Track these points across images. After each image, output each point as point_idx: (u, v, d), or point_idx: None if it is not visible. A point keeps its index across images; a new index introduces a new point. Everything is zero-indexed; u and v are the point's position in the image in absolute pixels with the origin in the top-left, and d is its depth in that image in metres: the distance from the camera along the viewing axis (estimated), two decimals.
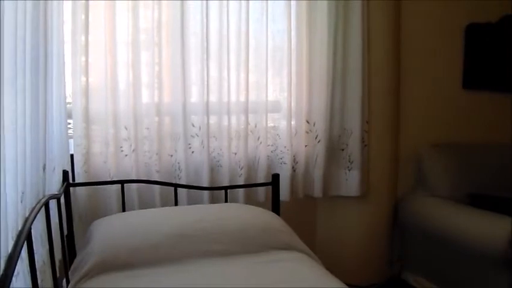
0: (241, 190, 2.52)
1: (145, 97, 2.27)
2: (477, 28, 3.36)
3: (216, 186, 2.46)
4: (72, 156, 2.17)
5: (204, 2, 2.32)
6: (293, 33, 2.59)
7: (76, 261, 1.85)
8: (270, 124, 2.61)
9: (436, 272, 2.92)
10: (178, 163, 2.36)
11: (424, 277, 3.01)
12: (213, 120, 2.44)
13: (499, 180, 3.22)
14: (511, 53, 3.54)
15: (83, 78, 2.12)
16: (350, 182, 2.81)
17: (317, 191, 2.73)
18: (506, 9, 3.45)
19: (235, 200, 2.49)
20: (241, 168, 2.52)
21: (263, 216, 2.14)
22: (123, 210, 2.21)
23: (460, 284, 2.74)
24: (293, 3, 2.58)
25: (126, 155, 2.24)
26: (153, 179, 2.30)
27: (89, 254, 1.76)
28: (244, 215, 2.11)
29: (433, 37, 3.20)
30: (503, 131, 3.54)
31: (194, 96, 2.38)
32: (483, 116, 3.47)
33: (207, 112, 2.39)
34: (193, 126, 2.38)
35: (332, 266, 2.68)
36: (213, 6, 2.36)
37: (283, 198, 2.58)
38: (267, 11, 2.50)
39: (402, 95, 3.04)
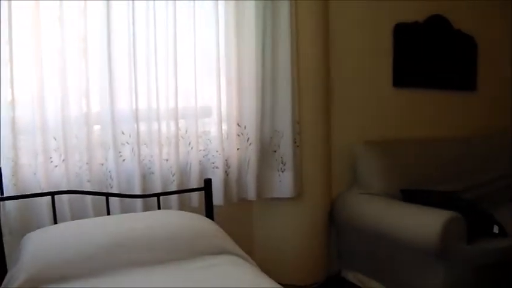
0: (174, 196, 2.69)
1: (73, 106, 2.41)
2: (405, 27, 3.74)
3: (149, 193, 2.59)
4: (0, 169, 2.27)
5: (130, 8, 2.49)
6: (221, 36, 2.81)
7: (6, 278, 1.90)
8: (201, 129, 2.80)
9: (374, 268, 3.25)
10: (110, 172, 2.51)
11: (363, 273, 3.34)
12: (143, 127, 2.60)
13: (430, 174, 3.59)
14: (437, 50, 3.87)
15: (9, 90, 2.25)
16: (284, 183, 3.08)
17: (251, 194, 2.97)
18: (433, 8, 3.89)
19: (169, 207, 2.66)
20: (174, 175, 2.69)
21: (196, 222, 2.28)
22: (55, 222, 2.32)
23: (397, 277, 3.06)
24: (221, 7, 2.79)
25: (56, 166, 2.38)
26: (84, 189, 2.43)
27: (20, 270, 1.81)
28: (176, 222, 2.23)
29: (362, 37, 3.56)
30: (432, 126, 3.88)
31: (123, 104, 2.52)
32: (413, 112, 3.88)
33: (137, 119, 2.55)
34: (123, 134, 2.54)
35: (271, 268, 2.96)
36: (140, 11, 2.53)
37: (217, 203, 2.80)
38: (194, 16, 2.70)
39: (333, 95, 3.35)
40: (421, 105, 3.95)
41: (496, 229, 3.05)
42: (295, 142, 3.05)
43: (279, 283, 1.92)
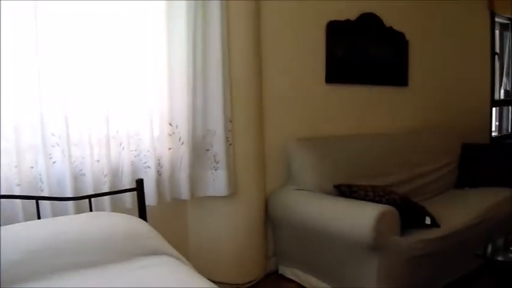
0: (106, 198, 2.72)
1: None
2: (337, 25, 3.96)
3: (80, 195, 2.61)
4: None
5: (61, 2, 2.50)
6: (152, 36, 2.87)
7: None
8: (132, 129, 2.85)
9: (310, 263, 3.41)
10: (40, 175, 2.53)
11: (300, 269, 3.50)
12: (73, 128, 2.62)
13: (364, 169, 3.80)
14: (369, 47, 4.07)
15: None
16: (217, 182, 3.19)
17: (184, 194, 3.06)
18: (365, 7, 4.15)
19: (102, 209, 2.70)
20: (105, 176, 2.73)
21: (128, 223, 2.31)
22: None
23: (333, 271, 3.24)
24: (151, 6, 2.85)
25: None
26: (14, 193, 2.43)
27: None
28: (108, 223, 2.25)
29: (295, 35, 3.73)
30: (365, 121, 4.09)
31: (52, 105, 2.54)
32: (346, 108, 4.11)
33: (66, 120, 2.57)
34: (53, 135, 2.56)
35: (207, 267, 3.10)
36: (69, 8, 2.53)
37: (150, 203, 2.86)
38: (124, 15, 2.74)
39: (266, 93, 3.51)
40: (354, 101, 4.18)
41: (428, 220, 3.28)
42: (227, 140, 3.16)
43: (215, 282, 2.01)
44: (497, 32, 6.76)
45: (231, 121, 3.20)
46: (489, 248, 2.84)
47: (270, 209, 3.54)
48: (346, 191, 3.30)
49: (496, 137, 6.75)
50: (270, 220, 3.59)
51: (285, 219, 3.47)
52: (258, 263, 3.52)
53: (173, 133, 2.98)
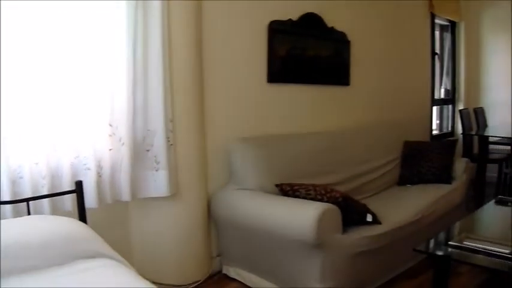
0: (46, 201, 2.67)
1: None
2: (279, 25, 4.05)
3: (18, 199, 2.59)
4: None
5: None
6: (91, 35, 2.86)
7: None
8: (72, 130, 2.82)
9: (254, 262, 3.47)
10: None
11: (244, 268, 3.56)
12: (10, 129, 2.57)
13: (306, 168, 3.90)
14: (311, 47, 4.17)
15: None
16: (158, 182, 3.21)
17: (125, 195, 3.06)
18: (307, 7, 4.28)
19: (41, 212, 2.65)
20: (44, 178, 2.70)
21: (67, 226, 2.28)
22: None
23: (277, 270, 3.30)
24: (91, 6, 2.83)
25: None
26: None
27: None
28: (47, 226, 2.22)
29: (236, 35, 3.80)
30: (307, 121, 4.18)
31: None
32: (288, 108, 4.21)
33: (1, 122, 2.52)
34: None
35: (151, 269, 3.12)
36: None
37: (91, 205, 2.85)
38: (63, 13, 2.71)
39: (208, 93, 3.56)
40: (296, 100, 4.28)
41: (369, 218, 3.40)
42: (168, 140, 3.19)
43: (159, 284, 2.03)
44: (437, 33, 7.03)
45: (171, 121, 3.22)
46: (431, 243, 2.95)
47: (213, 209, 3.59)
48: (287, 190, 3.36)
49: (436, 135, 7.00)
50: (213, 220, 3.64)
51: (228, 219, 3.52)
52: (202, 264, 3.56)
53: (113, 134, 2.98)
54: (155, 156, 3.17)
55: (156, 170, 3.18)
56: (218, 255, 3.74)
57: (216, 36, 3.61)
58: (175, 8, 3.21)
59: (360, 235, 3.25)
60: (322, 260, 3.02)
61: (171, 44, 3.21)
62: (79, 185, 2.72)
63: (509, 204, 3.89)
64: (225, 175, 3.71)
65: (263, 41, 3.97)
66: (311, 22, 4.35)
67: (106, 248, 2.26)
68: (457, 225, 3.30)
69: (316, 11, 4.39)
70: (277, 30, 4.03)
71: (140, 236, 3.40)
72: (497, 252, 2.56)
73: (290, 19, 4.14)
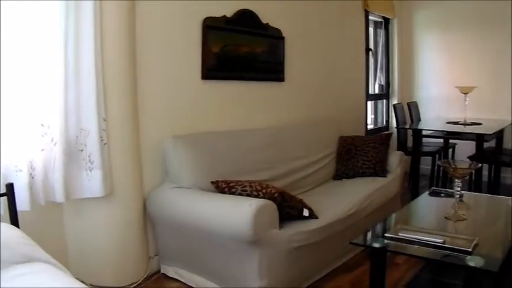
0: None
1: None
2: (214, 22, 4.10)
3: None
4: None
5: None
6: (23, 34, 2.82)
7: None
8: (1, 131, 2.76)
9: (192, 261, 3.50)
10: None
11: (183, 267, 3.58)
12: None
13: (242, 164, 3.96)
14: (246, 44, 4.22)
15: None
16: (93, 183, 3.20)
17: (59, 196, 3.03)
18: (241, 3, 4.34)
19: None
20: None
21: None
22: None
23: (215, 267, 3.34)
24: (24, 5, 2.80)
25: None
26: None
27: None
28: None
29: (170, 31, 3.81)
30: (243, 117, 4.24)
31: None
32: (223, 104, 4.27)
33: None
34: None
35: (88, 272, 3.10)
36: None
37: (23, 208, 2.80)
38: None
39: (142, 91, 3.57)
40: (231, 97, 4.34)
41: (306, 212, 3.49)
42: (102, 140, 3.19)
43: (96, 286, 2.00)
44: (371, 30, 7.22)
45: (105, 120, 3.22)
46: (367, 236, 3.06)
47: (149, 208, 3.59)
48: (223, 187, 3.40)
49: (371, 129, 7.20)
50: (149, 219, 3.65)
51: (164, 218, 3.53)
52: (140, 264, 3.57)
53: (45, 134, 2.95)
54: (89, 156, 3.15)
55: (90, 170, 3.16)
56: (156, 255, 3.75)
57: (150, 34, 3.62)
58: (107, 7, 3.21)
59: (297, 230, 3.33)
60: (259, 256, 3.07)
61: (104, 43, 3.21)
62: (10, 187, 2.67)
63: (442, 195, 4.07)
64: (160, 174, 3.72)
65: (197, 37, 4.00)
66: (246, 19, 4.42)
67: (40, 252, 2.23)
68: (392, 217, 3.43)
69: (251, 8, 4.47)
70: (212, 27, 4.07)
71: (76, 238, 3.37)
72: (431, 241, 2.67)
73: (225, 16, 4.19)
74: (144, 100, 3.58)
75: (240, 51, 4.37)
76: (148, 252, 3.68)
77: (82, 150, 3.15)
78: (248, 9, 4.43)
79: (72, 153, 3.12)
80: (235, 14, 4.30)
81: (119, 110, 3.33)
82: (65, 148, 3.03)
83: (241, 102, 4.46)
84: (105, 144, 3.23)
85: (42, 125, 2.94)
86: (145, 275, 3.61)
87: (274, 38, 4.79)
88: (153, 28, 3.65)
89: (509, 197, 3.76)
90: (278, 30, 4.82)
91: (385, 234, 2.85)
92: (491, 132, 5.61)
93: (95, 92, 3.12)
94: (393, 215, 3.48)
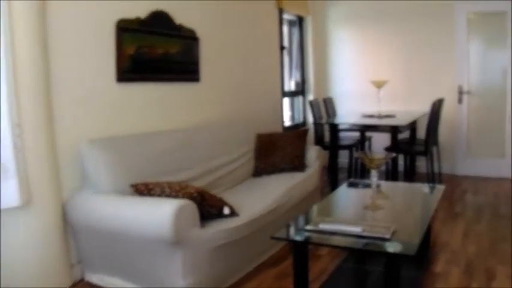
0: None
1: None
2: (127, 24, 4.11)
3: None
4: None
5: None
6: None
7: None
8: None
9: (116, 266, 3.51)
10: None
11: (106, 274, 3.58)
12: None
13: (161, 166, 3.99)
14: (160, 45, 4.25)
15: None
16: (7, 192, 3.12)
17: None
18: (155, 5, 4.37)
19: None
20: None
21: None
22: None
23: (139, 271, 3.37)
24: None
25: None
26: None
27: None
28: None
29: (83, 34, 3.79)
30: (160, 119, 4.27)
31: None
32: (140, 107, 4.29)
33: None
34: None
35: (8, 283, 2.99)
36: None
37: None
38: None
39: (56, 95, 3.54)
40: (148, 99, 4.37)
41: (226, 210, 3.58)
42: (16, 146, 3.14)
43: None
44: (286, 28, 7.40)
45: (18, 126, 3.16)
46: (288, 230, 3.18)
47: (69, 215, 3.55)
48: (143, 189, 3.42)
49: (289, 126, 7.38)
50: (70, 226, 3.60)
51: (85, 224, 3.50)
52: (62, 273, 3.51)
53: None
54: (3, 164, 3.09)
55: (5, 179, 3.10)
56: (79, 263, 3.72)
57: (63, 36, 3.58)
58: (17, 8, 3.14)
59: (218, 228, 3.41)
60: (182, 256, 3.13)
61: (14, 46, 3.15)
62: None
63: (360, 186, 4.28)
64: (79, 179, 3.70)
65: (111, 39, 3.99)
66: (159, 20, 4.45)
67: None
68: (312, 210, 3.59)
69: (164, 9, 4.50)
70: (126, 29, 4.07)
71: None
72: (350, 231, 2.82)
73: (138, 17, 4.20)
74: (59, 104, 3.54)
75: (154, 52, 4.39)
76: (70, 260, 3.63)
77: None
78: (161, 10, 4.47)
79: None
80: (148, 15, 4.31)
81: (32, 115, 3.26)
82: None
83: (157, 103, 4.49)
84: (19, 151, 3.17)
85: None
86: (69, 284, 3.56)
87: (189, 38, 4.85)
88: (66, 30, 3.61)
89: (425, 184, 3.99)
90: (192, 31, 4.87)
91: (306, 227, 2.98)
92: (404, 124, 5.93)
93: (6, 96, 3.06)
94: (313, 208, 3.64)
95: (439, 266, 3.84)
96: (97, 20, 3.88)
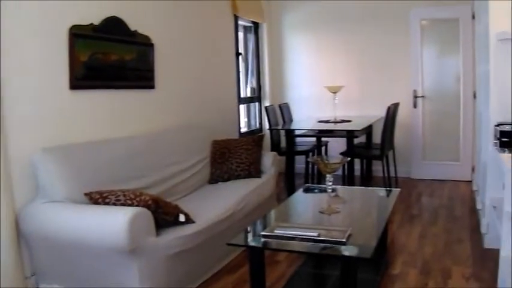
0: None
1: None
2: (81, 30, 4.07)
3: None
4: None
5: None
6: None
7: None
8: None
9: (71, 277, 3.46)
10: None
11: (62, 284, 3.52)
12: None
13: (116, 174, 3.98)
14: (115, 52, 4.23)
15: None
16: None
17: None
18: (109, 11, 4.36)
19: None
20: None
21: None
22: None
23: (95, 281, 3.32)
24: None
25: None
26: None
27: None
28: None
29: (36, 40, 3.72)
30: (115, 126, 4.25)
31: None
32: (94, 114, 4.26)
33: None
34: None
35: None
36: None
37: None
38: None
39: (6, 102, 3.45)
40: (102, 106, 4.34)
41: (182, 218, 3.60)
42: None
43: None
44: (241, 34, 7.45)
45: None
46: (245, 236, 3.24)
47: (22, 226, 3.48)
48: (97, 198, 3.40)
49: (245, 132, 7.43)
50: (23, 237, 3.54)
51: (38, 234, 3.44)
52: (16, 286, 3.44)
53: None
54: None
55: None
56: (33, 275, 3.65)
57: (13, 43, 3.50)
58: None
59: (174, 236, 3.43)
60: (139, 264, 3.13)
61: None
62: None
63: (316, 191, 4.35)
64: (32, 189, 3.63)
65: (64, 46, 3.93)
66: (114, 26, 4.43)
67: None
68: (269, 216, 3.65)
69: (119, 15, 4.48)
70: (79, 35, 4.03)
71: None
72: (306, 236, 2.87)
73: (92, 23, 4.17)
74: (10, 112, 3.47)
75: (108, 59, 4.37)
76: (24, 272, 3.56)
77: None
78: (116, 17, 4.44)
79: None
80: (102, 21, 4.29)
81: None
82: None
83: (112, 111, 4.46)
84: None
85: None
86: None
87: (143, 45, 4.84)
88: (17, 36, 3.54)
89: (381, 188, 4.08)
90: (147, 37, 4.87)
91: (262, 233, 3.01)
92: (360, 128, 6.05)
93: None
94: (270, 214, 3.71)
95: (396, 268, 3.95)
96: (50, 25, 3.81)
